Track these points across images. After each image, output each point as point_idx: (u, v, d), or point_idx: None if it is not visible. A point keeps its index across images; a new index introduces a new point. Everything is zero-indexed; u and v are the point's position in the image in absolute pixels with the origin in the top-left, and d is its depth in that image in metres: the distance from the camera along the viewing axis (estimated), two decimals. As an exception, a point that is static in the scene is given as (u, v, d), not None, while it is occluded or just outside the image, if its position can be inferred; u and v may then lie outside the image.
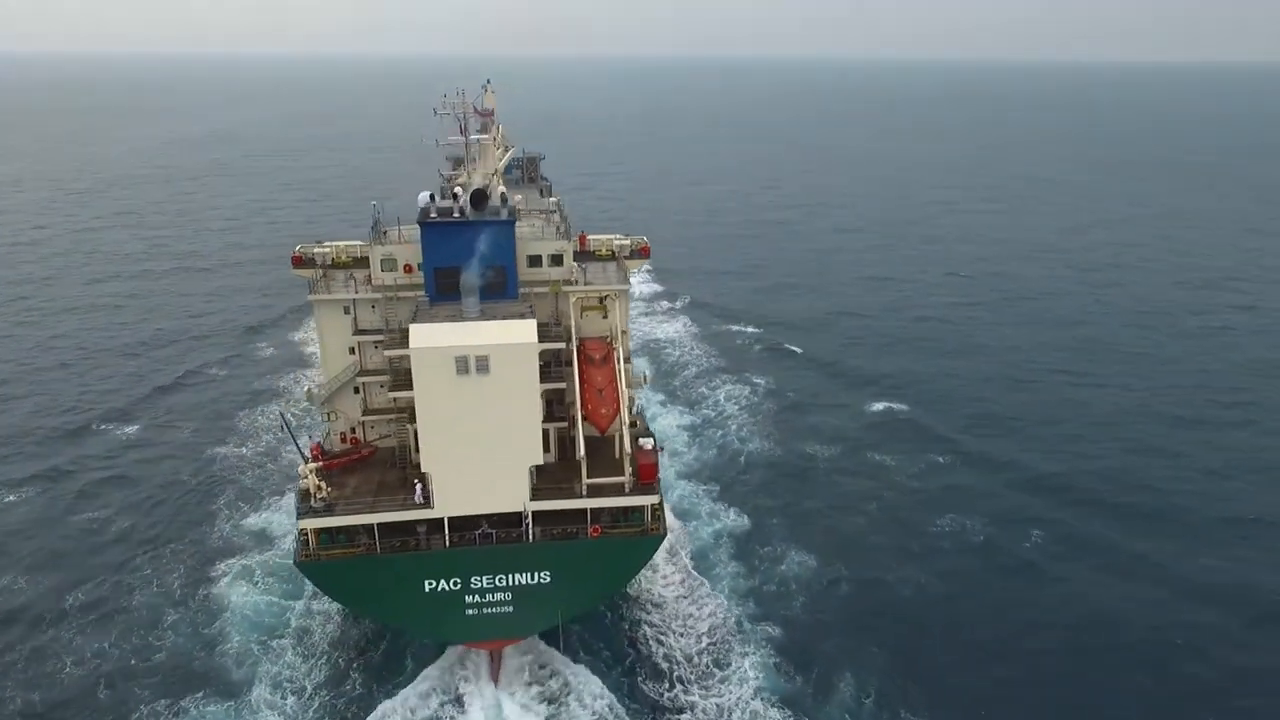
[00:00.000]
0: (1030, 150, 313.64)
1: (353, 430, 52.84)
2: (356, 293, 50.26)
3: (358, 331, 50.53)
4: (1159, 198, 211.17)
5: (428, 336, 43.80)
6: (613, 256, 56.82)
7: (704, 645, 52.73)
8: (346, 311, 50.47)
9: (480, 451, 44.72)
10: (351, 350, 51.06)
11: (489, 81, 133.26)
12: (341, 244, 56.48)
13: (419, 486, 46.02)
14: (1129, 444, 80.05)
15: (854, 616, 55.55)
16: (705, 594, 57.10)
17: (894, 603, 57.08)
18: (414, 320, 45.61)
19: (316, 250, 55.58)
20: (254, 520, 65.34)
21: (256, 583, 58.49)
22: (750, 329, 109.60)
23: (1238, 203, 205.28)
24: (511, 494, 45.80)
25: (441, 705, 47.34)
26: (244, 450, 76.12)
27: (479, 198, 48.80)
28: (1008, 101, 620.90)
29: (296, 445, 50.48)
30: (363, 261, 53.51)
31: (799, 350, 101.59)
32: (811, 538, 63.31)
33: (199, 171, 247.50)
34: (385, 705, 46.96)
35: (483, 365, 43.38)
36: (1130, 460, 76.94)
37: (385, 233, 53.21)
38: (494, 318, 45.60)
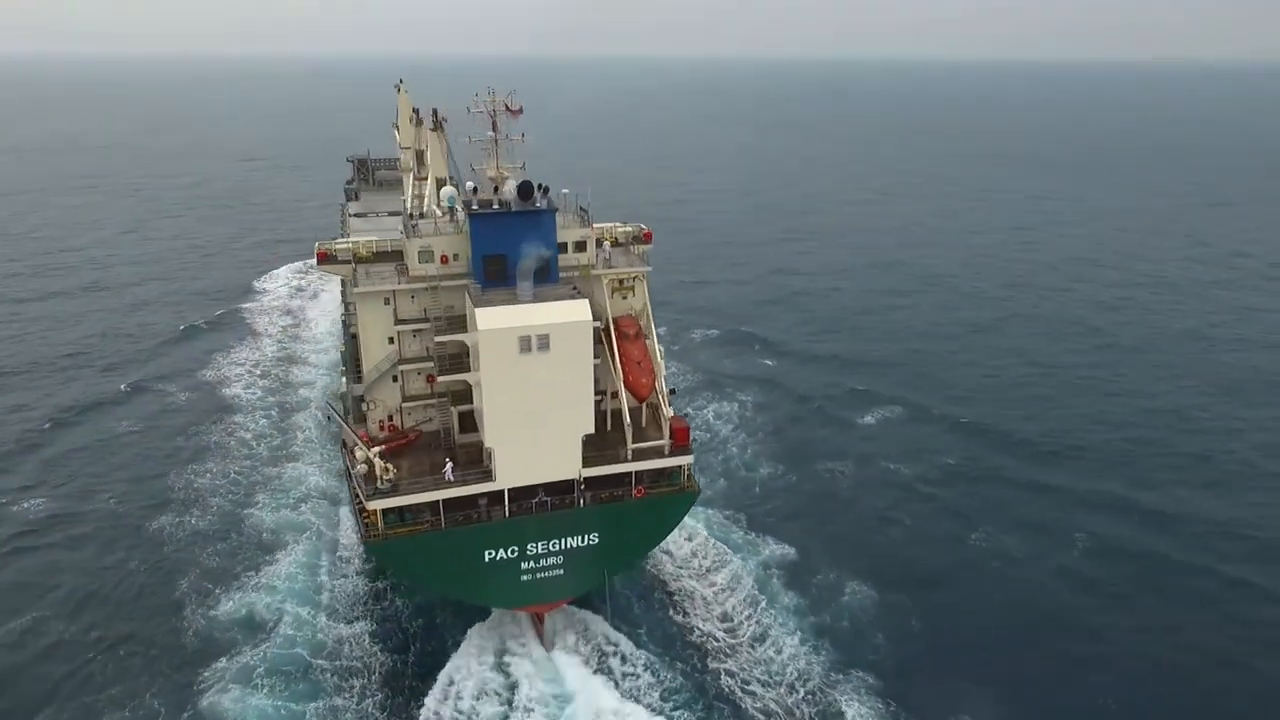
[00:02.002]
0: (928, 145, 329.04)
1: (390, 417, 54.32)
2: (398, 284, 51.64)
3: (399, 321, 52.29)
4: (1057, 188, 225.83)
5: (493, 319, 46.02)
6: (616, 243, 58.98)
7: (801, 695, 48.64)
8: (386, 302, 52.20)
9: (539, 424, 47.50)
10: (391, 340, 52.68)
11: (401, 81, 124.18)
12: (361, 240, 57.74)
13: (449, 465, 48.27)
14: (1111, 418, 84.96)
15: (940, 650, 52.71)
16: (779, 634, 53.10)
17: (972, 629, 54.79)
18: (476, 306, 47.08)
19: (338, 246, 56.40)
20: (232, 606, 54.93)
21: (257, 685, 48.78)
22: (713, 331, 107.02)
23: (1125, 193, 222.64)
24: (567, 463, 48.95)
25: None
26: (192, 520, 64.49)
27: (526, 190, 50.57)
28: (896, 99, 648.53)
29: (353, 432, 50.49)
30: (385, 255, 55.75)
31: (770, 361, 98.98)
32: (860, 564, 60.25)
33: (49, 184, 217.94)
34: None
35: (543, 344, 46.20)
36: (1117, 430, 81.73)
37: (416, 226, 53.71)
38: (545, 300, 48.11)
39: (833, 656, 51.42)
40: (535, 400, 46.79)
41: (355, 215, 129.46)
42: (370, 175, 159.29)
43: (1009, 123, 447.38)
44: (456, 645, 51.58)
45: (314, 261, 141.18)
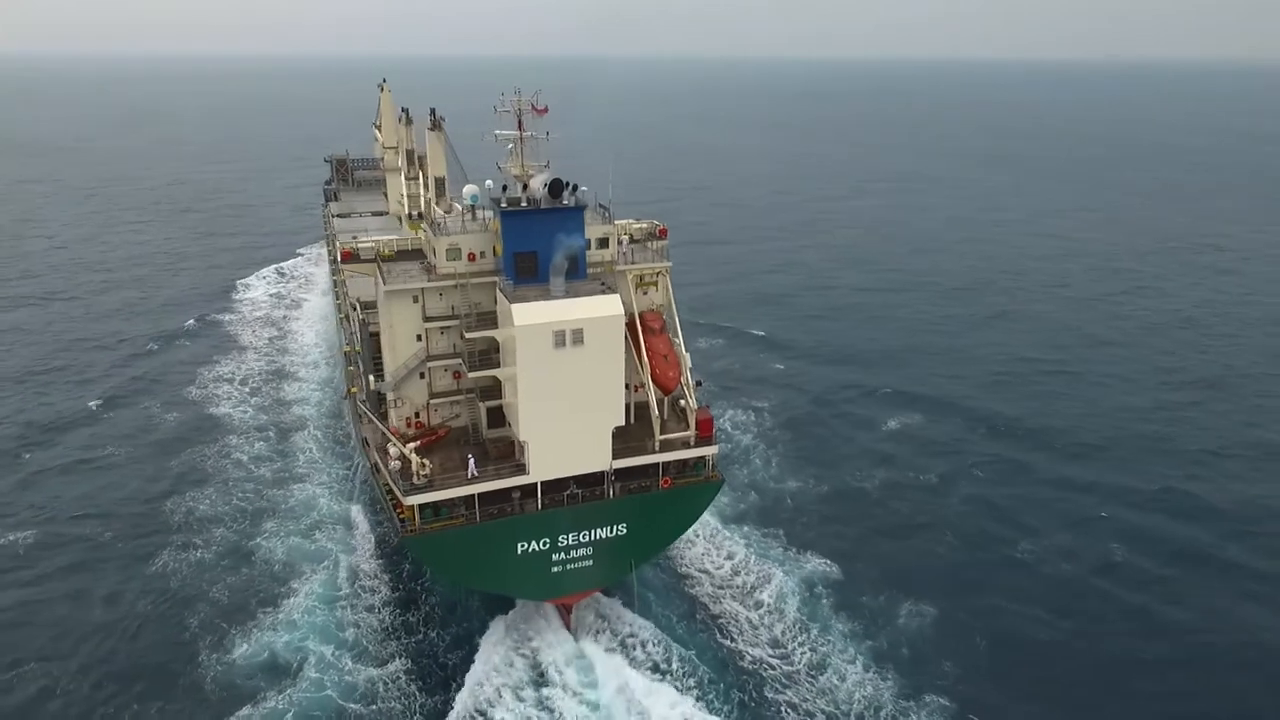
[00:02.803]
0: (902, 145, 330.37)
1: (417, 415, 53.95)
2: (427, 282, 51.64)
3: (427, 319, 52.20)
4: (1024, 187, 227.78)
5: (529, 314, 46.07)
6: (633, 239, 58.46)
7: (874, 732, 46.32)
8: (415, 300, 52.01)
9: (572, 417, 47.76)
10: (419, 337, 52.47)
11: (384, 81, 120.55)
12: (382, 239, 57.84)
13: (471, 461, 48.14)
14: (1127, 411, 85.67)
15: (1010, 667, 50.94)
16: (841, 663, 50.63)
17: (1038, 643, 53.12)
18: (511, 302, 46.95)
19: (361, 246, 56.42)
20: (250, 648, 50.79)
21: (290, 736, 45.04)
22: (718, 340, 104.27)
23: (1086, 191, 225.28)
24: (598, 455, 49.20)
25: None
26: (196, 552, 60.00)
27: (557, 187, 50.44)
28: (873, 99, 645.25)
29: (384, 429, 51.02)
30: (406, 254, 56.29)
31: (779, 365, 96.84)
32: (909, 579, 58.16)
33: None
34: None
35: (578, 338, 46.45)
36: (1137, 424, 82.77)
37: (438, 225, 53.26)
38: (577, 295, 48.20)
39: (900, 682, 49.08)
40: (568, 394, 47.13)
41: (338, 216, 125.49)
42: (350, 175, 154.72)
43: (977, 121, 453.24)
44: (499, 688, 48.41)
45: (291, 265, 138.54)
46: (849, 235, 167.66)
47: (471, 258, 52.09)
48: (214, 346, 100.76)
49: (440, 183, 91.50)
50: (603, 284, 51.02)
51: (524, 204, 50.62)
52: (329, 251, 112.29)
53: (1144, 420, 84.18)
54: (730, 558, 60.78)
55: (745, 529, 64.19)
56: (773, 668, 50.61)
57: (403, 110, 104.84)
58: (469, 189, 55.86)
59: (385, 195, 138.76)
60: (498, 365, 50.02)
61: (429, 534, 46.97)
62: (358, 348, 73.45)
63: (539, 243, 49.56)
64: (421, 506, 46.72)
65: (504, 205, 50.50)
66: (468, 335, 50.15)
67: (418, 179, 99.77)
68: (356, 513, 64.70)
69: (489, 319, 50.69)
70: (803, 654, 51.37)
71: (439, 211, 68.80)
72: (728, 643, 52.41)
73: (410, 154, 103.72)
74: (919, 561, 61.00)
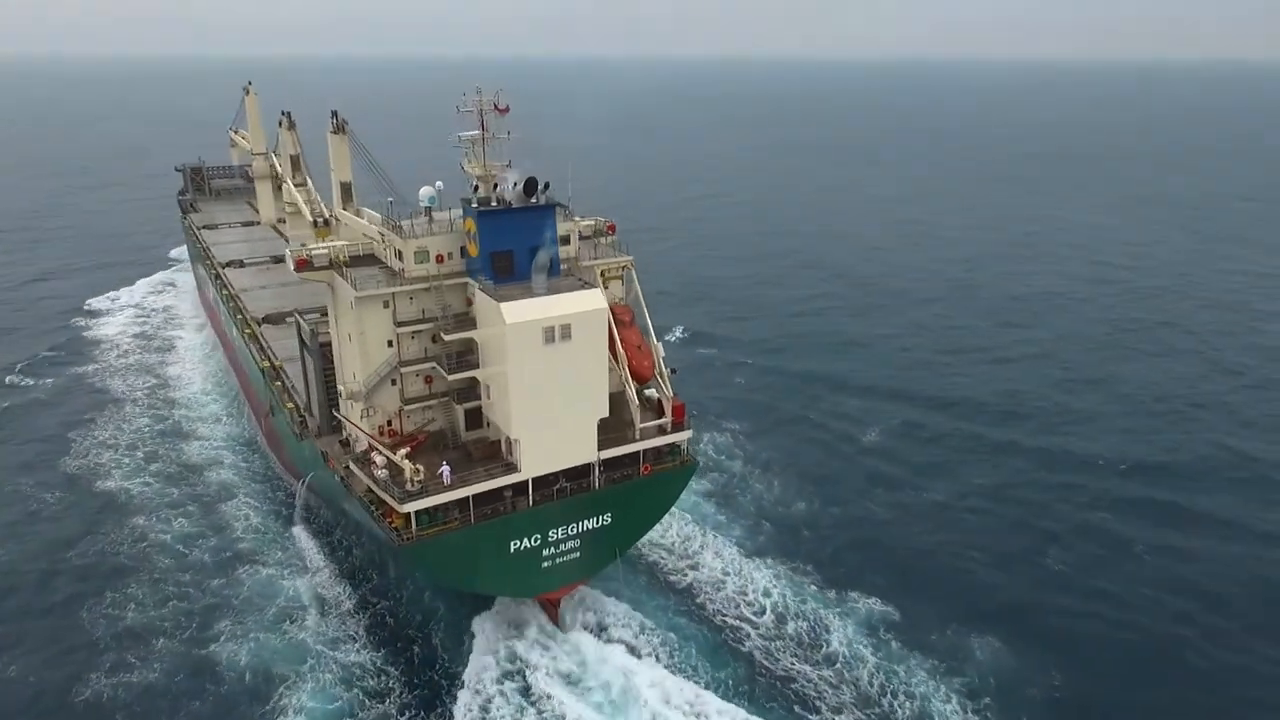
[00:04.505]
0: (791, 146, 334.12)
1: (389, 422, 52.75)
2: (399, 286, 50.51)
3: (398, 324, 51.05)
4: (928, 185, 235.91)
5: (518, 312, 45.85)
6: (583, 236, 58.11)
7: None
8: (386, 305, 50.80)
9: (561, 412, 48.06)
10: (390, 343, 51.31)
11: (250, 84, 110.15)
12: (337, 243, 55.01)
13: (446, 468, 47.18)
14: (1079, 400, 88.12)
15: (1090, 682, 49.32)
16: (939, 705, 46.60)
17: (1108, 654, 51.60)
18: (499, 301, 46.48)
19: (315, 253, 52.91)
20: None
21: None
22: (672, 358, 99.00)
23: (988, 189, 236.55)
24: (584, 448, 49.67)
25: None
26: (137, 674, 47.36)
27: (531, 186, 50.37)
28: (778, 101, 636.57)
29: (370, 437, 49.74)
30: (358, 259, 54.50)
31: (740, 379, 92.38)
32: (964, 609, 55.10)
33: None
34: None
35: (566, 333, 46.69)
36: (1095, 404, 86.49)
37: (400, 228, 52.00)
38: (559, 291, 48.21)
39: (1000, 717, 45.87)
40: (557, 389, 47.38)
41: (205, 228, 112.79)
42: (206, 185, 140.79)
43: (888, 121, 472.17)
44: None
45: (137, 296, 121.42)
46: (734, 231, 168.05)
47: (440, 259, 51.52)
48: (86, 402, 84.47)
49: (346, 187, 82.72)
50: (580, 279, 51.67)
51: (494, 203, 50.23)
52: (205, 267, 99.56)
53: (1101, 395, 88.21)
54: (768, 594, 56.22)
55: (771, 563, 59.44)
56: (863, 727, 45.70)
57: (284, 114, 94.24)
58: (425, 190, 54.53)
59: (251, 204, 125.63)
60: (476, 366, 49.78)
61: (425, 540, 46.19)
62: (276, 363, 67.74)
63: (514, 241, 49.74)
64: (417, 513, 46.01)
65: (476, 205, 49.83)
66: (447, 336, 49.60)
67: (305, 185, 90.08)
68: (327, 584, 55.53)
69: (464, 320, 50.58)
70: (903, 711, 46.69)
71: (343, 214, 63.67)
72: (813, 716, 46.86)
73: (295, 159, 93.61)
74: (961, 582, 58.33)
